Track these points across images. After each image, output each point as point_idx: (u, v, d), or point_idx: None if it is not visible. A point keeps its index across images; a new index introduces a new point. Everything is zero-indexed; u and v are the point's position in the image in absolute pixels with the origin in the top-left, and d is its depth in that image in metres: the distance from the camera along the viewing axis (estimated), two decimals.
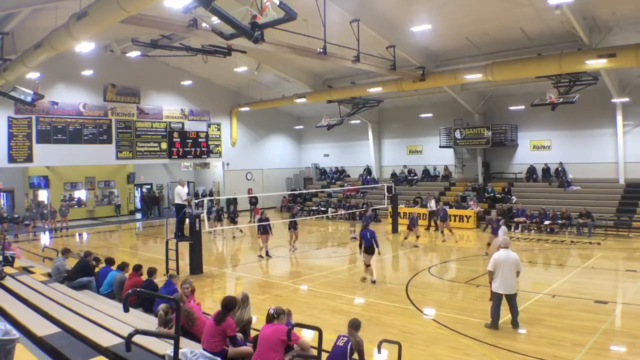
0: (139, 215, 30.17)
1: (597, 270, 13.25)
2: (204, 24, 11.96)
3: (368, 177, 29.46)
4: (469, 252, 16.96)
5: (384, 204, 22.92)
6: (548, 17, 15.60)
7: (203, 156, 28.88)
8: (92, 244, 19.74)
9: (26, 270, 11.34)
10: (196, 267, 13.61)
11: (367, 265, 12.32)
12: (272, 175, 32.91)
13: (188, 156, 28.26)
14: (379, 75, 21.22)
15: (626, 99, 20.11)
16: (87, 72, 22.53)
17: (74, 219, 25.06)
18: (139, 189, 31.66)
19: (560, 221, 19.38)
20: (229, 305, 6.03)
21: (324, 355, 5.84)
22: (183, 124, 28.21)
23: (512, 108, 23.88)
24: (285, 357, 5.66)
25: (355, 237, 13.24)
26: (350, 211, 24.73)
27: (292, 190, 31.52)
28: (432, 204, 21.21)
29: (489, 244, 14.25)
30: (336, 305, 10.36)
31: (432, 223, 20.59)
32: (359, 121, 29.39)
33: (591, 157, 21.98)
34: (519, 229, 20.31)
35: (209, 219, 17.72)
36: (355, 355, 5.69)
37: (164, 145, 27.22)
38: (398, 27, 17.73)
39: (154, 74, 26.30)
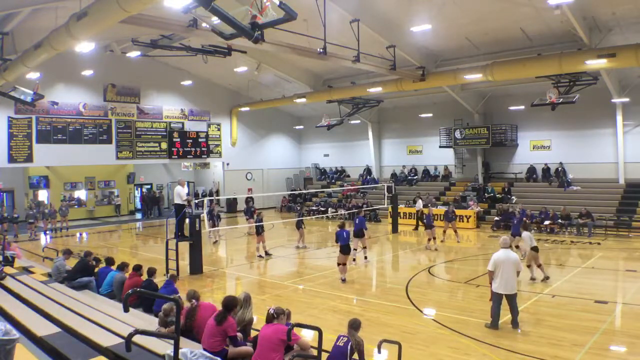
0: (139, 215, 30.17)
1: (597, 270, 13.25)
2: (204, 24, 11.98)
3: (368, 177, 29.46)
4: (469, 252, 16.96)
5: (384, 204, 22.92)
6: (548, 17, 15.60)
7: (203, 156, 28.89)
8: (92, 244, 19.74)
9: (26, 270, 11.34)
10: (196, 267, 13.61)
11: (342, 264, 12.41)
12: (272, 175, 32.92)
13: (188, 156, 28.26)
14: (379, 75, 21.23)
15: (626, 99, 20.11)
16: (87, 72, 22.53)
17: (74, 219, 25.07)
18: (139, 189, 31.67)
19: (560, 221, 19.38)
20: (230, 305, 6.03)
21: (324, 355, 5.83)
22: (183, 124, 28.22)
23: (512, 108, 23.89)
24: (285, 357, 5.65)
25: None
26: (350, 211, 24.72)
27: (292, 190, 31.52)
28: (419, 204, 21.61)
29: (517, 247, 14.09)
30: (336, 305, 10.36)
31: (420, 223, 20.94)
32: (359, 121, 29.39)
33: (591, 157, 21.99)
34: None
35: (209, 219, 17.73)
36: (355, 356, 5.69)
37: (164, 145, 27.23)
38: (398, 27, 17.74)
39: (154, 74, 26.31)
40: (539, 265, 11.89)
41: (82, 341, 5.63)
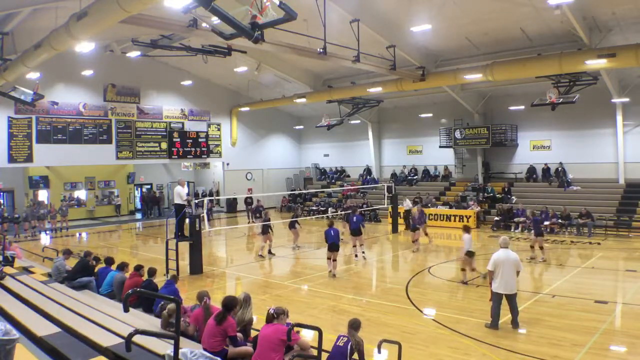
0: (139, 215, 30.17)
1: (597, 270, 13.24)
2: (204, 24, 11.98)
3: (368, 177, 29.45)
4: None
5: (384, 204, 22.92)
6: (548, 17, 15.60)
7: (203, 156, 28.89)
8: (92, 244, 19.74)
9: (26, 270, 11.35)
10: (196, 267, 13.61)
11: (332, 260, 13.01)
12: (272, 175, 32.92)
13: (188, 156, 28.26)
14: (379, 75, 21.23)
15: (626, 99, 20.11)
16: (87, 72, 22.53)
17: (74, 219, 25.07)
18: (139, 189, 31.67)
19: (560, 221, 19.37)
20: (230, 305, 6.03)
21: (324, 355, 5.83)
22: (183, 124, 28.22)
23: (512, 108, 23.88)
24: (285, 357, 5.66)
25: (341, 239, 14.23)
26: (346, 212, 24.70)
27: (292, 190, 31.51)
28: (408, 203, 21.81)
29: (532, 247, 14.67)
30: (336, 305, 10.36)
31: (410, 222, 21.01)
32: (359, 121, 29.39)
33: (591, 157, 21.99)
34: (519, 229, 20.29)
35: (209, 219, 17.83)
36: (355, 356, 5.69)
37: (164, 145, 27.23)
38: (398, 27, 17.74)
39: (154, 74, 26.31)
40: (472, 270, 11.95)
41: (82, 341, 5.63)
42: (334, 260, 13.09)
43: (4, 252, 12.34)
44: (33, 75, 17.98)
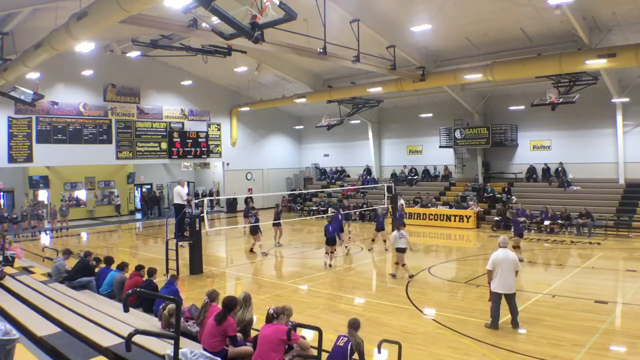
0: (139, 215, 30.18)
1: (597, 270, 13.24)
2: (204, 24, 11.98)
3: (368, 177, 29.45)
4: (469, 252, 16.95)
5: (384, 204, 22.89)
6: (548, 17, 15.60)
7: (203, 156, 28.89)
8: (92, 244, 19.73)
9: (26, 270, 11.35)
10: (196, 267, 13.61)
11: (330, 252, 14.28)
12: (272, 175, 32.92)
13: (188, 156, 28.27)
14: (379, 75, 21.23)
15: (626, 99, 20.11)
16: (87, 72, 22.53)
17: (74, 219, 25.06)
18: (139, 189, 31.67)
19: (560, 221, 19.38)
20: (230, 305, 6.03)
21: (324, 355, 5.83)
22: (183, 124, 28.22)
23: (512, 108, 23.88)
24: (285, 357, 5.65)
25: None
26: (345, 212, 24.68)
27: (292, 190, 31.51)
28: (401, 202, 21.69)
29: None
30: (336, 305, 10.36)
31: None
32: (359, 121, 29.39)
33: (591, 157, 21.99)
34: None
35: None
36: (355, 356, 5.69)
37: (164, 145, 27.23)
38: (398, 27, 17.73)
39: (154, 74, 26.31)
40: (403, 265, 12.54)
41: (82, 341, 5.62)
42: (332, 252, 14.24)
43: (4, 252, 12.34)
44: (33, 75, 17.98)
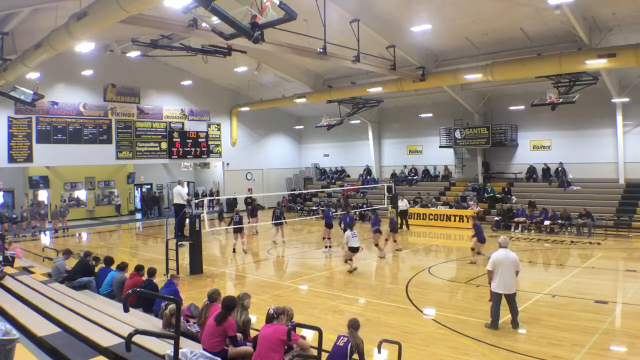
0: (139, 215, 30.18)
1: (597, 270, 13.24)
2: (204, 24, 11.98)
3: (368, 177, 29.45)
4: (469, 252, 16.92)
5: (384, 204, 22.91)
6: (548, 17, 15.60)
7: (203, 156, 28.89)
8: (92, 244, 19.74)
9: (26, 270, 11.34)
10: (196, 267, 13.61)
11: (328, 237, 16.52)
12: (272, 175, 32.92)
13: (188, 156, 28.26)
14: (379, 75, 21.23)
15: (626, 99, 20.11)
16: (87, 72, 22.52)
17: (74, 219, 25.06)
18: (139, 189, 31.67)
19: (560, 221, 19.37)
20: (230, 305, 6.03)
21: (324, 355, 5.83)
22: (183, 124, 28.22)
23: (512, 108, 23.89)
24: (285, 357, 5.65)
25: (329, 246, 16.39)
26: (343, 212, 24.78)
27: (292, 190, 31.51)
28: (405, 202, 22.09)
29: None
30: (336, 305, 10.36)
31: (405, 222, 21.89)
32: (359, 121, 29.39)
33: (591, 157, 21.98)
34: (519, 229, 20.29)
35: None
36: (355, 356, 5.69)
37: (164, 145, 27.23)
38: (398, 27, 17.74)
39: (154, 74, 26.31)
40: (348, 260, 13.35)
41: (82, 341, 5.62)
42: (329, 238, 16.33)
43: (4, 252, 12.34)
44: (33, 75, 17.98)
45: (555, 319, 9.03)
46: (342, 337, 5.74)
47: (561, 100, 18.45)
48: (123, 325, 6.26)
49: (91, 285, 10.08)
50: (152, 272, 8.98)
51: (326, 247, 16.66)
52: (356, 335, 5.82)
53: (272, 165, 32.98)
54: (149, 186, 31.93)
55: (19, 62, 14.13)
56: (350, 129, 30.28)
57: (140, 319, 7.32)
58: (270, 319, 5.81)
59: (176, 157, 27.72)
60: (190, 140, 28.10)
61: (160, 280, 9.67)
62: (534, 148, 24.01)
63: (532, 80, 19.39)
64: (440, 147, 26.14)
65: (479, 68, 18.25)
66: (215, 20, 9.71)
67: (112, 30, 14.14)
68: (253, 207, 22.23)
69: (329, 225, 16.82)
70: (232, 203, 26.16)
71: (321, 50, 14.09)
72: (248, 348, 5.95)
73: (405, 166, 28.53)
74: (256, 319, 7.37)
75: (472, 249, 14.55)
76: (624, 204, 19.87)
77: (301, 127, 34.28)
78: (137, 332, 4.48)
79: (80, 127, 24.13)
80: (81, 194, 28.47)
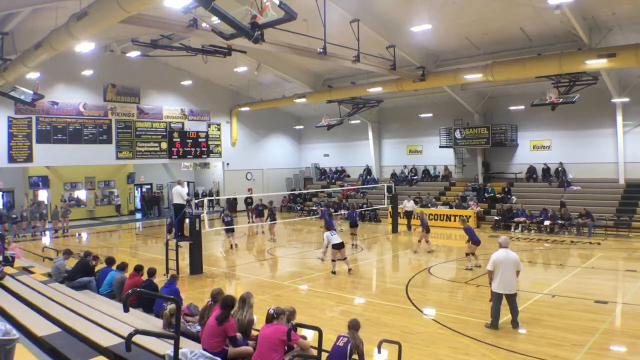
0: (139, 215, 30.17)
1: (597, 270, 13.24)
2: (204, 24, 11.97)
3: (368, 177, 29.45)
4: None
5: (384, 204, 22.91)
6: (548, 17, 15.60)
7: (203, 156, 28.89)
8: (92, 244, 19.74)
9: (26, 270, 11.34)
10: (196, 267, 13.61)
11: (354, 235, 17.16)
12: (272, 175, 32.91)
13: (188, 156, 28.26)
14: (379, 75, 21.22)
15: (626, 99, 20.11)
16: (87, 72, 22.52)
17: (74, 219, 25.04)
18: (139, 189, 31.66)
19: (560, 221, 19.37)
20: (230, 304, 6.02)
21: (324, 355, 5.83)
22: (183, 124, 28.22)
23: (512, 108, 23.89)
24: (285, 357, 5.65)
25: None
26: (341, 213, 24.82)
27: (292, 190, 31.51)
28: (411, 204, 22.05)
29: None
30: (336, 305, 10.36)
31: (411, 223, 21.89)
32: (359, 121, 29.39)
33: (591, 157, 21.98)
34: (519, 229, 20.29)
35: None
36: (355, 356, 5.69)
37: (164, 145, 27.23)
38: (398, 27, 17.73)
39: (154, 74, 26.31)
40: (333, 260, 13.33)
41: (82, 341, 5.62)
42: (355, 234, 17.13)
43: (4, 252, 12.34)
44: (33, 75, 17.98)
45: (555, 319, 9.03)
46: (342, 337, 5.74)
47: (561, 100, 18.45)
48: (123, 325, 6.26)
49: (91, 285, 10.08)
50: (152, 272, 8.99)
51: (353, 245, 17.02)
52: (356, 335, 5.82)
53: (272, 165, 32.98)
54: (149, 186, 31.93)
55: (19, 62, 14.13)
56: (350, 129, 30.28)
57: (140, 319, 7.32)
58: (270, 319, 5.81)
59: (176, 157, 27.71)
60: (190, 140, 28.10)
61: (160, 280, 9.67)
62: (534, 148, 24.01)
63: (532, 80, 19.39)
64: (440, 147, 26.13)
65: (479, 68, 18.25)
66: (215, 20, 9.70)
67: (112, 30, 14.13)
68: (258, 208, 22.05)
69: (353, 225, 17.37)
70: (232, 203, 26.19)
71: (321, 50, 14.09)
72: (248, 348, 5.95)
73: (405, 166, 28.54)
74: (256, 319, 7.37)
75: (467, 254, 13.91)
76: (624, 204, 19.87)
77: (301, 127, 34.28)
78: (137, 332, 4.49)
79: (80, 127, 24.13)
80: (81, 194, 28.46)
